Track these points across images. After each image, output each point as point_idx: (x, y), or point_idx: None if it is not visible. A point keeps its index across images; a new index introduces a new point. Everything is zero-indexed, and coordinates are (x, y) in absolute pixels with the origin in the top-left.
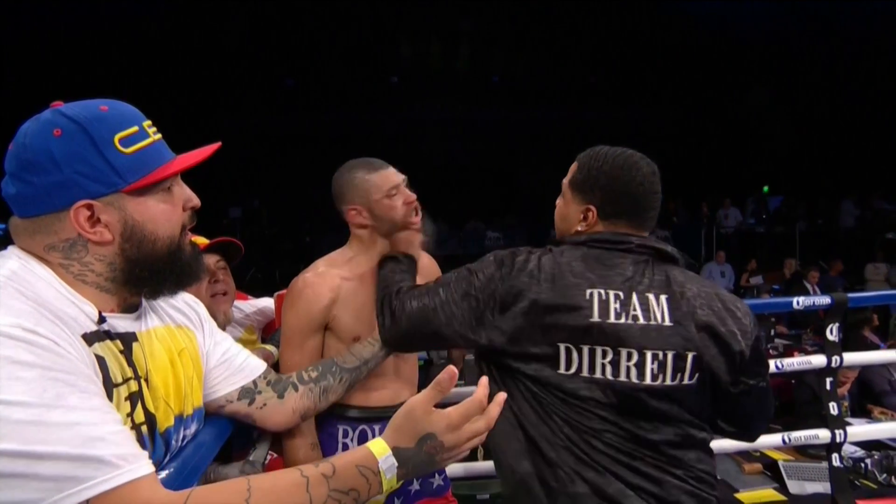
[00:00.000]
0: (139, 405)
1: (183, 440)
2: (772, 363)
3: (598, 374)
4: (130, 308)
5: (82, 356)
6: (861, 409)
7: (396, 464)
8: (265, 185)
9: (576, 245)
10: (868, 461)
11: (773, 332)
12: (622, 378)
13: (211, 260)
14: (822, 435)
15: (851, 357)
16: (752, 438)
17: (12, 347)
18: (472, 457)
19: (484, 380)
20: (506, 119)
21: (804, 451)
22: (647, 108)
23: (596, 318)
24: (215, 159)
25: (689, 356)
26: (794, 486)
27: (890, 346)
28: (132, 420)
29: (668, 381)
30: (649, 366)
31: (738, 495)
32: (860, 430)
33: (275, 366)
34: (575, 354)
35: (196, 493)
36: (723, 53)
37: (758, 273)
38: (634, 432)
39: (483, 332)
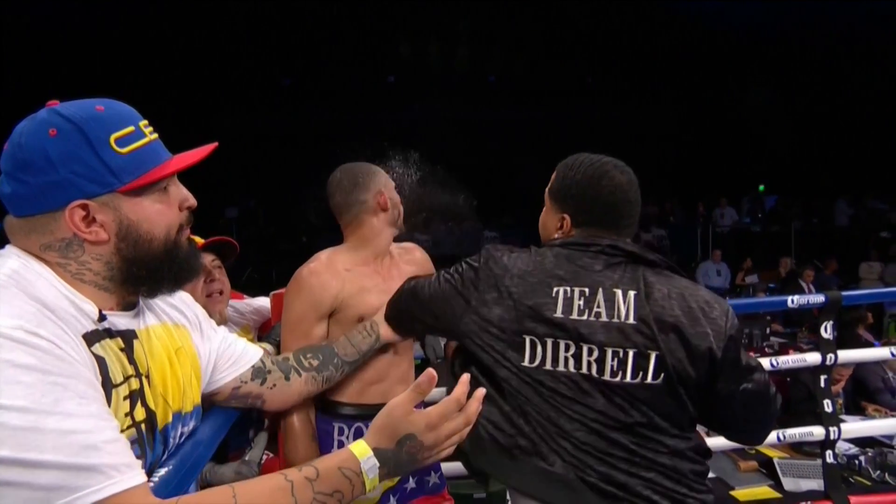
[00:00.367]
0: (139, 403)
1: (181, 437)
2: (767, 361)
3: (560, 367)
4: (129, 306)
5: (83, 358)
6: (855, 407)
7: (378, 464)
8: (262, 185)
9: (550, 246)
10: (862, 458)
11: (768, 331)
12: (584, 371)
13: (206, 259)
14: (817, 432)
15: (846, 355)
16: (756, 441)
17: (13, 350)
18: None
19: (465, 377)
20: (503, 119)
21: (799, 449)
22: (643, 109)
23: (559, 313)
24: (212, 159)
25: (652, 356)
26: (788, 483)
27: (884, 344)
28: (132, 418)
29: (629, 379)
30: (609, 362)
31: (733, 492)
32: (854, 427)
33: None
34: (539, 347)
35: (182, 500)
36: (720, 54)
37: (753, 272)
38: (598, 429)
39: (466, 315)
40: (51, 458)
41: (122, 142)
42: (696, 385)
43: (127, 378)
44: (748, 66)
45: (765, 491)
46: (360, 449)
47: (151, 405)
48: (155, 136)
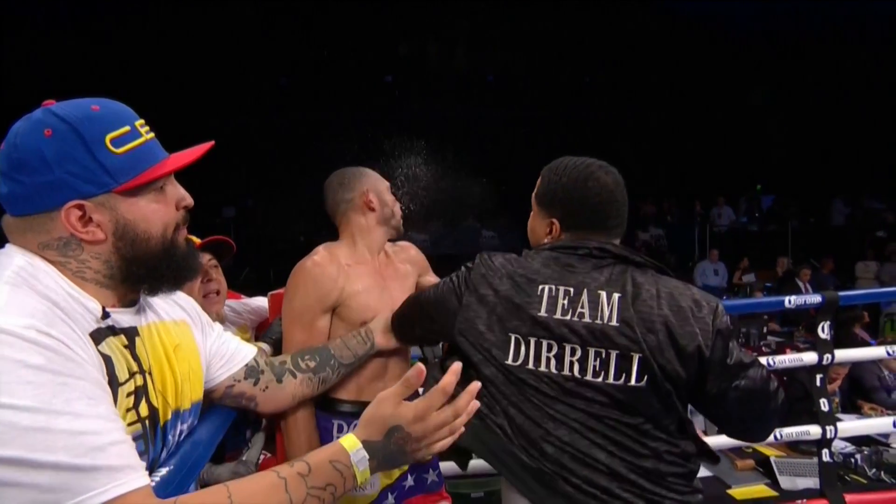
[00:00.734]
0: (143, 399)
1: (180, 435)
2: (764, 360)
3: (542, 367)
4: (130, 303)
5: (91, 358)
6: (851, 405)
7: (368, 456)
8: (260, 185)
9: (540, 250)
10: (858, 456)
11: (765, 330)
12: (566, 372)
13: (203, 259)
14: (813, 431)
15: (842, 354)
16: (758, 439)
17: (25, 350)
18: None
19: (456, 366)
20: (501, 118)
21: (796, 447)
22: (641, 108)
23: (543, 312)
24: (209, 158)
25: (635, 358)
26: (785, 482)
27: (880, 343)
28: (137, 414)
29: (612, 380)
30: (591, 362)
31: (730, 491)
32: (850, 426)
33: None
34: (523, 346)
35: (180, 500)
36: (717, 54)
37: (750, 271)
38: (579, 429)
39: (459, 313)
40: (59, 459)
41: (117, 142)
42: (687, 384)
43: (132, 375)
44: (746, 66)
45: (761, 489)
46: (350, 442)
47: (154, 402)
48: (151, 135)
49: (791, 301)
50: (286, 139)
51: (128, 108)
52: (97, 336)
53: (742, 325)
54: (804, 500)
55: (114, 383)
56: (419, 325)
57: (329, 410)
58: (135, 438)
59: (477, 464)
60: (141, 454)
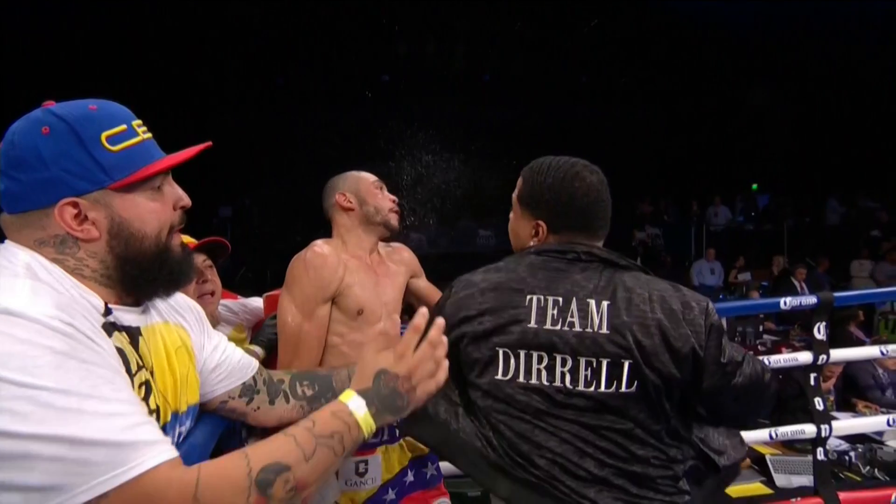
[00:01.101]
0: (151, 395)
1: (178, 437)
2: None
3: (533, 380)
4: (135, 302)
5: (110, 348)
6: (846, 404)
7: (364, 402)
8: (256, 184)
9: (525, 255)
10: (852, 454)
11: (761, 329)
12: (557, 383)
13: (198, 260)
14: (808, 430)
15: (837, 353)
16: (748, 427)
17: (52, 338)
18: None
19: (423, 309)
20: (499, 118)
21: (791, 446)
22: (638, 107)
23: (532, 323)
24: (206, 158)
25: (626, 364)
26: (780, 480)
27: (874, 342)
28: (147, 407)
29: (603, 388)
30: (582, 372)
31: (726, 489)
32: (845, 424)
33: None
34: (512, 360)
35: (203, 467)
36: (714, 53)
37: (746, 270)
38: (569, 440)
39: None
40: (96, 436)
41: (113, 140)
42: (682, 385)
43: (140, 368)
44: (742, 66)
45: (757, 487)
46: (345, 394)
47: (157, 401)
48: (148, 135)
49: (787, 303)
50: (283, 138)
51: (126, 108)
52: (108, 329)
53: (738, 324)
54: (799, 498)
55: (129, 373)
56: None
57: None
58: None
59: None
60: None
